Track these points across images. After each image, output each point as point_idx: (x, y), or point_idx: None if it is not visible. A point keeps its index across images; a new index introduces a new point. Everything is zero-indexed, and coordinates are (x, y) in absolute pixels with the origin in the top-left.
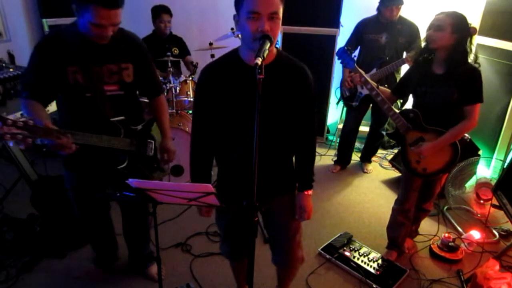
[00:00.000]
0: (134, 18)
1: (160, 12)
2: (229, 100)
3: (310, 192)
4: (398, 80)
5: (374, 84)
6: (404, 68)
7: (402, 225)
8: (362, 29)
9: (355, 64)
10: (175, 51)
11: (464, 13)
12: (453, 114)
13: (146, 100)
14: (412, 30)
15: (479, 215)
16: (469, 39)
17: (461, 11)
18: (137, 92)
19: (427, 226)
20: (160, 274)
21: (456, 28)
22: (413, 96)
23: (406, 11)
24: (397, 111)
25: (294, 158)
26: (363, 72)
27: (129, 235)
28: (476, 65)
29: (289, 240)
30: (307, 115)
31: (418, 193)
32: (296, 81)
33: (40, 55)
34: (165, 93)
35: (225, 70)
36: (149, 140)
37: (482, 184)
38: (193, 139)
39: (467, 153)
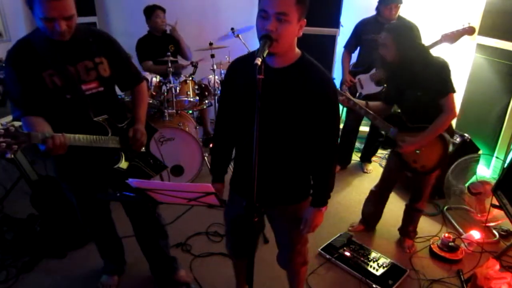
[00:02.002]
0: (134, 20)
1: (154, 9)
2: (242, 96)
3: (322, 209)
4: None
5: (362, 102)
6: None
7: (370, 202)
8: (361, 29)
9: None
10: (172, 48)
11: (463, 13)
12: (437, 109)
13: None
14: None
15: (477, 214)
16: (413, 45)
17: (461, 11)
18: (117, 89)
19: (427, 226)
20: (168, 277)
21: (399, 41)
22: (394, 102)
23: (405, 11)
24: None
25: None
26: (348, 94)
27: (144, 240)
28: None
29: (288, 248)
30: (324, 129)
31: (393, 182)
32: (313, 89)
33: (14, 68)
34: (165, 93)
35: (244, 66)
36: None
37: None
38: (215, 128)
39: (467, 153)
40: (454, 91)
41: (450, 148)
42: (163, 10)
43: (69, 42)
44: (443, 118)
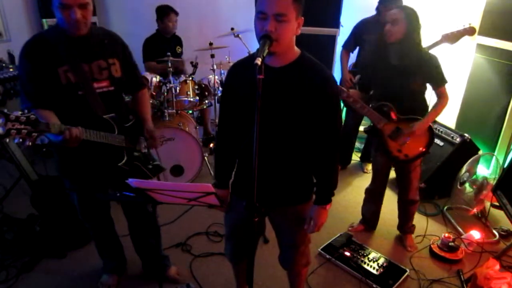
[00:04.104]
0: (135, 20)
1: (169, 12)
2: (243, 97)
3: (326, 206)
4: None
5: (343, 89)
6: None
7: (367, 201)
8: (361, 29)
9: None
10: (179, 49)
11: (463, 13)
12: (417, 102)
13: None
14: None
15: (473, 209)
16: (419, 30)
17: (461, 11)
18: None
19: (427, 226)
20: (164, 273)
21: (409, 21)
22: (376, 88)
23: None
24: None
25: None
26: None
27: (138, 239)
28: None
29: (292, 249)
30: (326, 126)
31: (385, 176)
32: (314, 87)
33: (30, 60)
34: (165, 93)
35: (243, 68)
36: (141, 136)
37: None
38: (218, 133)
39: (467, 153)
40: (446, 82)
41: None
42: (176, 14)
43: (86, 41)
44: (440, 104)
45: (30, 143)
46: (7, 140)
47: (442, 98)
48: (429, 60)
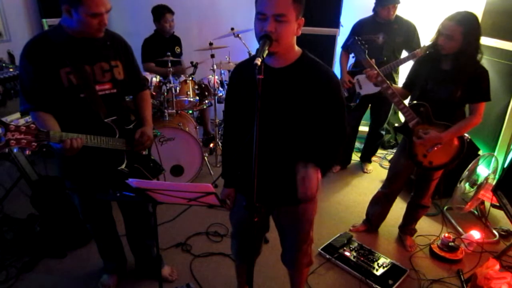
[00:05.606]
0: (135, 20)
1: (164, 12)
2: (246, 98)
3: (318, 171)
4: (395, 80)
5: (384, 79)
6: (402, 68)
7: (376, 203)
8: (359, 29)
9: (367, 56)
10: (177, 50)
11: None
12: (459, 111)
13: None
14: (409, 29)
15: (467, 205)
16: (478, 42)
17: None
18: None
19: (427, 226)
20: (160, 273)
21: (467, 35)
22: (419, 91)
23: (403, 10)
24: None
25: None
26: (375, 66)
27: (134, 239)
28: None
29: (295, 248)
30: (332, 124)
31: (403, 181)
32: (317, 86)
33: (31, 61)
34: (165, 93)
35: (246, 69)
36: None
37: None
38: (224, 133)
39: (467, 153)
40: (489, 100)
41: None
42: (172, 13)
43: (89, 42)
44: (471, 120)
45: (29, 152)
46: (6, 150)
47: (475, 115)
48: (481, 73)
